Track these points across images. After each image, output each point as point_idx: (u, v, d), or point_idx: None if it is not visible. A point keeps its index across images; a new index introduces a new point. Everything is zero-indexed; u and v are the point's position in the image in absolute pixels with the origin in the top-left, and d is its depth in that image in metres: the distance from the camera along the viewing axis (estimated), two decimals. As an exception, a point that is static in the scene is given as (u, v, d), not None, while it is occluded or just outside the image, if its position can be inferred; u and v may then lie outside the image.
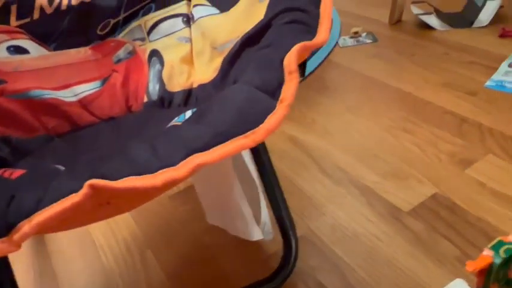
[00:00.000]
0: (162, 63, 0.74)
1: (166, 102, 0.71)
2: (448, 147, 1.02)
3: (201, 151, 0.38)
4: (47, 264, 0.89)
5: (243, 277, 0.79)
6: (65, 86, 0.73)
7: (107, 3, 0.75)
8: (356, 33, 1.67)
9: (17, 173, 0.45)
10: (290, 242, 0.75)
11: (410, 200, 0.90)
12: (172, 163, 0.37)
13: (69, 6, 0.73)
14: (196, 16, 0.74)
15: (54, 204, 0.36)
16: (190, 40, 0.74)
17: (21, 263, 0.89)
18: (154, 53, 0.76)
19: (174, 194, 1.02)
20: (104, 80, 0.75)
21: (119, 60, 0.77)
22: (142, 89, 0.74)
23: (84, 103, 0.73)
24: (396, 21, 1.75)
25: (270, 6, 0.58)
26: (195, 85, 0.70)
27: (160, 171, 0.37)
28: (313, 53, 1.39)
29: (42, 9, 0.72)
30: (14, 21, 0.72)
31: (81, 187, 0.36)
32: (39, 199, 0.37)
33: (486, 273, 0.68)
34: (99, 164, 0.38)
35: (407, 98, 1.25)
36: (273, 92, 0.43)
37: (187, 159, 0.38)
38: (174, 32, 0.76)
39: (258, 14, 0.59)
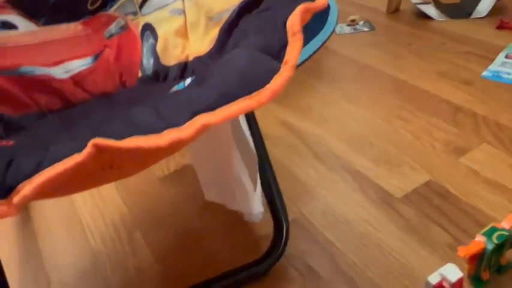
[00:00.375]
0: (155, 37, 0.76)
1: (161, 76, 0.73)
2: (443, 136, 1.06)
3: (206, 112, 0.40)
4: (32, 243, 0.90)
5: (233, 260, 0.81)
6: (56, 63, 0.74)
7: (100, -24, 0.76)
8: (353, 21, 1.70)
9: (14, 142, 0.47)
10: (281, 225, 0.78)
11: (403, 186, 0.93)
12: (177, 123, 0.39)
13: (60, -22, 0.74)
14: (190, -13, 0.75)
15: (56, 164, 0.37)
16: (183, 12, 0.76)
17: (6, 241, 0.90)
18: (147, 27, 0.77)
19: (164, 177, 1.03)
20: (96, 56, 0.77)
21: (111, 35, 0.79)
22: (136, 63, 0.75)
23: (76, 79, 0.74)
24: (394, 10, 1.78)
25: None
26: (190, 58, 0.71)
27: (165, 131, 0.39)
28: (309, 39, 1.42)
29: (31, -19, 0.73)
30: (2, -6, 0.72)
31: (83, 147, 0.38)
32: (40, 161, 0.38)
33: (478, 259, 0.71)
34: (101, 126, 0.40)
35: (403, 86, 1.28)
36: (277, 54, 0.45)
37: (192, 119, 0.40)
38: (167, 4, 0.77)
39: None
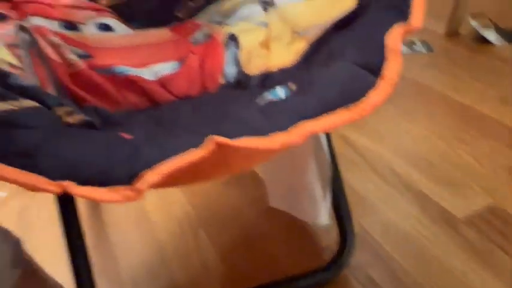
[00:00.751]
0: (238, 46, 0.80)
1: (242, 84, 0.77)
2: (505, 161, 1.05)
3: (310, 119, 0.43)
4: (102, 233, 0.95)
5: (294, 265, 0.84)
6: (145, 64, 0.79)
7: (190, -13, 0.81)
8: (411, 41, 1.70)
9: (129, 136, 0.51)
10: (347, 235, 0.79)
11: (464, 208, 0.93)
12: (285, 128, 0.43)
13: (155, -11, 0.79)
14: (277, 2, 0.79)
15: (179, 156, 0.41)
16: (267, 25, 0.80)
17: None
18: (231, 37, 0.81)
19: (228, 181, 1.07)
20: (182, 61, 0.81)
21: (197, 42, 0.83)
22: (219, 70, 0.80)
23: (162, 82, 0.79)
24: (453, 33, 1.77)
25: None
26: (273, 68, 0.75)
27: (274, 134, 0.42)
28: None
29: (130, -10, 0.79)
30: (103, 0, 0.78)
31: (202, 143, 0.41)
32: (162, 152, 0.42)
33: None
34: (217, 125, 0.44)
35: (464, 109, 1.28)
36: (376, 69, 0.48)
37: (298, 125, 0.43)
38: (252, 16, 0.81)
39: (347, 0, 0.63)
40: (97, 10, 0.78)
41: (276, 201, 0.84)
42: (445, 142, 1.14)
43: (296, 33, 0.73)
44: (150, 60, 0.80)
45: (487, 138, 1.14)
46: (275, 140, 0.42)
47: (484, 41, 1.66)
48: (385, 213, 0.94)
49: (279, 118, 0.45)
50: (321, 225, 0.77)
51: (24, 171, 0.39)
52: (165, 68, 0.80)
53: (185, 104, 0.74)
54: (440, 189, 0.99)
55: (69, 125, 0.54)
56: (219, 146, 0.41)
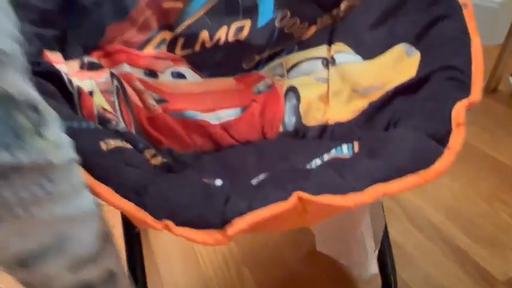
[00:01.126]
0: (298, 98, 0.86)
1: (300, 134, 0.82)
2: (546, 225, 1.06)
3: (383, 182, 0.48)
4: (151, 259, 1.00)
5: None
6: (212, 110, 0.86)
7: (257, 42, 0.88)
8: (450, 95, 1.75)
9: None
10: (390, 283, 0.82)
11: (505, 270, 0.95)
12: (360, 189, 0.48)
13: (226, 42, 0.87)
14: (338, 60, 0.85)
15: (266, 207, 0.47)
16: (327, 81, 0.86)
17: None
18: (292, 89, 0.88)
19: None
20: (244, 108, 0.88)
21: (259, 92, 0.90)
22: (279, 119, 0.86)
23: (225, 126, 0.86)
24: (492, 90, 1.81)
25: (423, 62, 0.68)
26: (330, 122, 0.81)
27: (350, 194, 0.47)
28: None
29: (203, 43, 0.86)
30: (178, 51, 0.86)
31: (287, 197, 0.46)
32: (251, 202, 0.48)
33: None
34: (299, 180, 0.49)
35: (503, 168, 1.30)
36: (442, 139, 0.53)
37: (372, 187, 0.48)
38: (313, 72, 0.88)
39: (407, 67, 0.69)
40: (174, 60, 0.86)
41: (323, 246, 0.87)
42: (485, 201, 1.17)
43: (355, 92, 0.79)
44: (216, 107, 0.86)
45: (527, 200, 1.16)
46: (352, 200, 0.47)
47: (524, 100, 1.69)
48: (425, 267, 0.96)
49: (354, 178, 0.50)
50: (367, 277, 0.80)
51: (137, 207, 0.45)
52: (228, 114, 0.87)
53: (249, 151, 0.79)
54: (479, 248, 1.01)
55: (154, 167, 0.61)
56: (302, 201, 0.46)
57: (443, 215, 1.12)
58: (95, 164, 0.46)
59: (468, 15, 0.68)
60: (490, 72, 1.79)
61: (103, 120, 0.58)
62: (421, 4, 0.71)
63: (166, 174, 0.55)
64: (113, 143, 0.51)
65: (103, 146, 0.49)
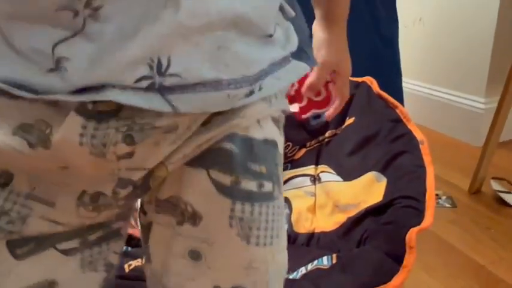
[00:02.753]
0: (290, 208, 1.04)
1: (291, 240, 0.99)
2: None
3: (349, 292, 0.64)
4: None
5: None
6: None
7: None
8: (436, 195, 1.93)
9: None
10: None
11: None
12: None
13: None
14: (323, 179, 1.04)
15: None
16: (314, 195, 1.04)
17: None
18: (285, 200, 1.06)
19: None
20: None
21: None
22: (273, 226, 1.03)
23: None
24: (476, 191, 1.99)
25: (388, 189, 0.87)
26: (317, 230, 0.98)
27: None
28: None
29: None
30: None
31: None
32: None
33: None
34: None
35: (481, 270, 1.44)
36: (397, 259, 0.69)
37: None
38: (302, 186, 1.07)
39: (376, 191, 0.88)
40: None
41: None
42: (461, 301, 1.30)
43: (337, 207, 0.97)
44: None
45: (501, 303, 1.29)
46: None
47: (505, 203, 1.86)
48: None
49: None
50: None
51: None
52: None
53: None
54: None
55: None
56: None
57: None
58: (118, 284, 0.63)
59: (424, 151, 0.88)
60: (473, 174, 1.97)
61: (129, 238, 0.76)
62: (387, 139, 0.91)
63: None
64: (133, 262, 0.68)
65: (126, 267, 0.67)
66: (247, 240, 0.45)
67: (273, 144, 0.49)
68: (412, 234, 0.72)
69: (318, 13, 0.75)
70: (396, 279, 0.67)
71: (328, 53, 0.74)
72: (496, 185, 1.95)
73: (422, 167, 0.84)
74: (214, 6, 0.37)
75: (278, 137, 0.50)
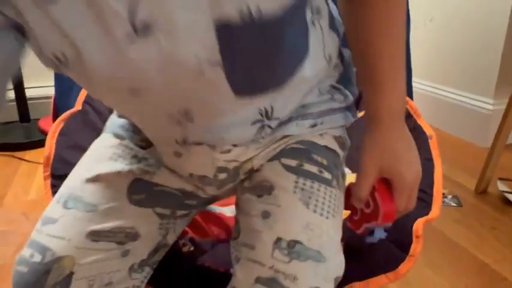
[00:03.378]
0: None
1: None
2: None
3: (360, 281, 0.67)
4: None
5: None
6: (227, 204, 1.07)
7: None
8: (443, 194, 1.95)
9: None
10: None
11: None
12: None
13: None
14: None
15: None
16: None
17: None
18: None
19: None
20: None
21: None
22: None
23: (238, 218, 1.06)
24: (482, 191, 2.01)
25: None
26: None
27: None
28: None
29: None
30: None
31: None
32: None
33: None
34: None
35: (485, 269, 1.47)
36: (405, 248, 0.72)
37: (350, 285, 0.67)
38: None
39: None
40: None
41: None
42: (465, 298, 1.33)
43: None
44: (230, 202, 1.07)
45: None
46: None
47: (510, 203, 1.89)
48: None
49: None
50: None
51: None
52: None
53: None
54: None
55: (184, 254, 0.80)
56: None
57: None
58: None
59: (433, 145, 0.90)
60: (479, 175, 2.00)
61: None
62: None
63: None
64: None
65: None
66: (307, 206, 0.59)
67: (333, 151, 0.67)
68: (419, 224, 0.75)
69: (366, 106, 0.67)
70: (402, 268, 0.70)
71: (370, 156, 0.65)
72: (502, 186, 1.98)
73: (430, 160, 0.87)
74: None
75: (338, 149, 0.68)
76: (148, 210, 0.65)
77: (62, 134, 0.89)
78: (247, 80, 0.51)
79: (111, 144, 0.68)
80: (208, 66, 0.46)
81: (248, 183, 0.66)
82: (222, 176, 0.64)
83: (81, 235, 0.59)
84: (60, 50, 0.44)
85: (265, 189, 0.62)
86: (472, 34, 2.40)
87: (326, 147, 0.66)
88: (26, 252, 0.59)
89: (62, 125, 0.91)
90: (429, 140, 0.90)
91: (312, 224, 0.58)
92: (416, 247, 0.73)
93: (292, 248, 0.56)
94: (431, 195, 0.82)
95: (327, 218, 0.60)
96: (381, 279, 0.69)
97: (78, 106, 0.97)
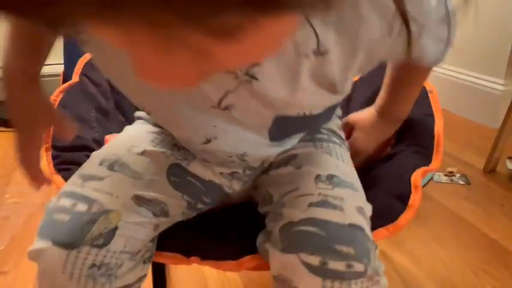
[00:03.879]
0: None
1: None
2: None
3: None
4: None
5: None
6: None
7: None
8: (451, 172, 1.93)
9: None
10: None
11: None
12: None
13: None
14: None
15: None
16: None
17: None
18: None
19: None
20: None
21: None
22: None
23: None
24: (490, 170, 1.98)
25: (396, 138, 0.88)
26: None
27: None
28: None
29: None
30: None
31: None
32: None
33: None
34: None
35: (492, 244, 1.45)
36: (403, 199, 0.70)
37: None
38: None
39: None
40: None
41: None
42: (472, 271, 1.30)
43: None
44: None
45: (510, 274, 1.29)
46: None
47: (520, 182, 1.85)
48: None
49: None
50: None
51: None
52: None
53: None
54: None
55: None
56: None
57: (436, 283, 1.25)
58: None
59: (433, 99, 0.88)
60: (488, 154, 1.97)
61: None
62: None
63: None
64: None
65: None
66: (330, 155, 0.74)
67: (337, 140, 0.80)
68: (417, 174, 0.73)
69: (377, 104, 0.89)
70: (402, 219, 0.68)
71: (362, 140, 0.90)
72: (511, 164, 1.94)
73: (431, 116, 0.84)
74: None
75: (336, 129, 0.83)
76: (180, 194, 0.69)
77: (61, 105, 0.88)
78: (282, 135, 0.70)
79: (152, 131, 0.74)
80: (260, 130, 0.64)
81: (273, 166, 0.75)
82: (248, 172, 0.74)
83: (127, 197, 0.62)
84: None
85: (290, 158, 0.73)
86: (483, 15, 2.35)
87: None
88: (65, 202, 0.60)
89: (60, 96, 0.90)
90: (429, 95, 0.87)
91: (340, 166, 0.70)
92: (415, 197, 0.70)
93: (331, 180, 0.66)
94: (431, 150, 0.80)
95: (347, 164, 0.75)
96: (381, 232, 0.67)
97: (75, 78, 0.96)
